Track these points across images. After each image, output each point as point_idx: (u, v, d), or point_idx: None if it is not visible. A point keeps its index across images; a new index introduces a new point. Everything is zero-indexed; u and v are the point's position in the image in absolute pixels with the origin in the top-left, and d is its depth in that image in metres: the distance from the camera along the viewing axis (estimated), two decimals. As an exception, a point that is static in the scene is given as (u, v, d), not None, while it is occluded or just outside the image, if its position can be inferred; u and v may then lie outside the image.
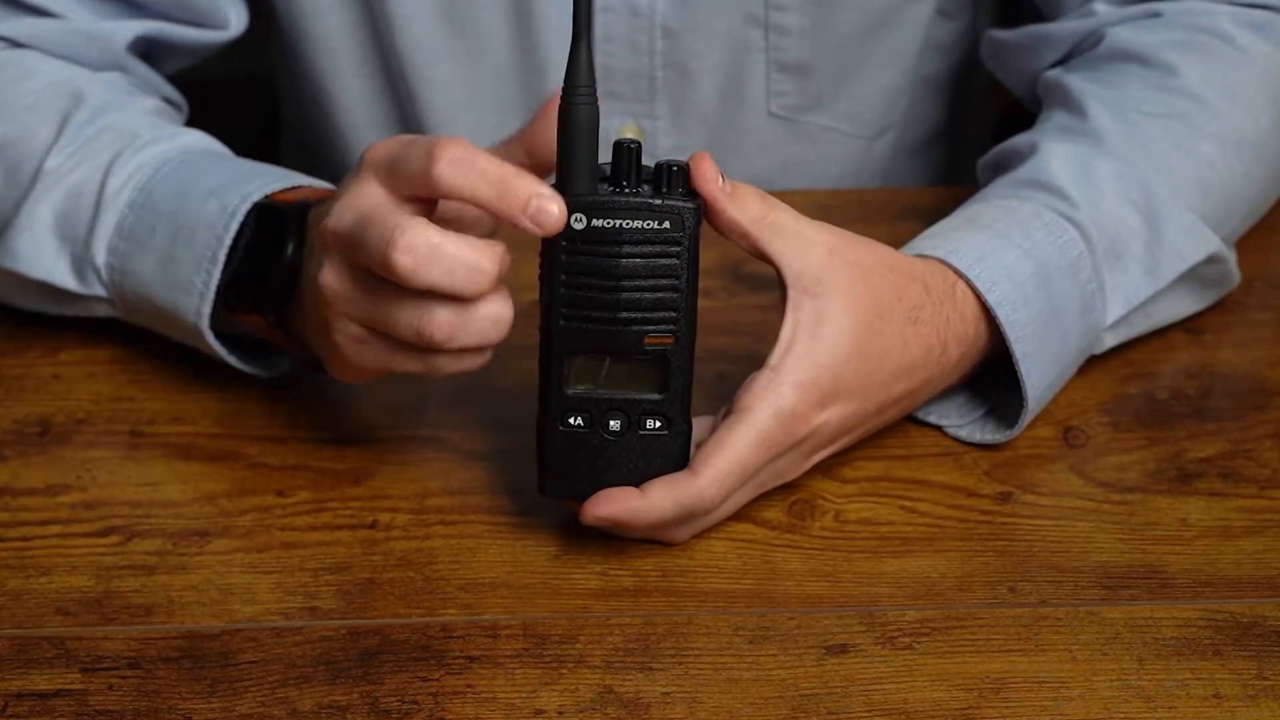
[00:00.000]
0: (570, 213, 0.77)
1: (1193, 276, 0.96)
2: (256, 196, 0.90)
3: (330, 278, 0.80)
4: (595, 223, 0.78)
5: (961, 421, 0.92)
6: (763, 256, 0.83)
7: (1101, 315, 0.92)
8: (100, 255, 0.93)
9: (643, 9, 1.10)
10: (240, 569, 0.84)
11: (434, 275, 0.75)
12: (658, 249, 0.78)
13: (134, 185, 0.93)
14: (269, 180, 0.92)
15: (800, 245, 0.82)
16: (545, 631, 0.80)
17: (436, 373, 0.80)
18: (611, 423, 0.81)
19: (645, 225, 0.78)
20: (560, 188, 0.78)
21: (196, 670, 0.78)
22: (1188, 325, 0.99)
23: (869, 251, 0.85)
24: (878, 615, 0.81)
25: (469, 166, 0.75)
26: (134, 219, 0.93)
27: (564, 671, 0.78)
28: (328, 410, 0.94)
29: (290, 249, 0.88)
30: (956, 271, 0.88)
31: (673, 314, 0.79)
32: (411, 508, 0.87)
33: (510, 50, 1.13)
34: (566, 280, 0.79)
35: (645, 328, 0.79)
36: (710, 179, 0.80)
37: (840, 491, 0.88)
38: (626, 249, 0.78)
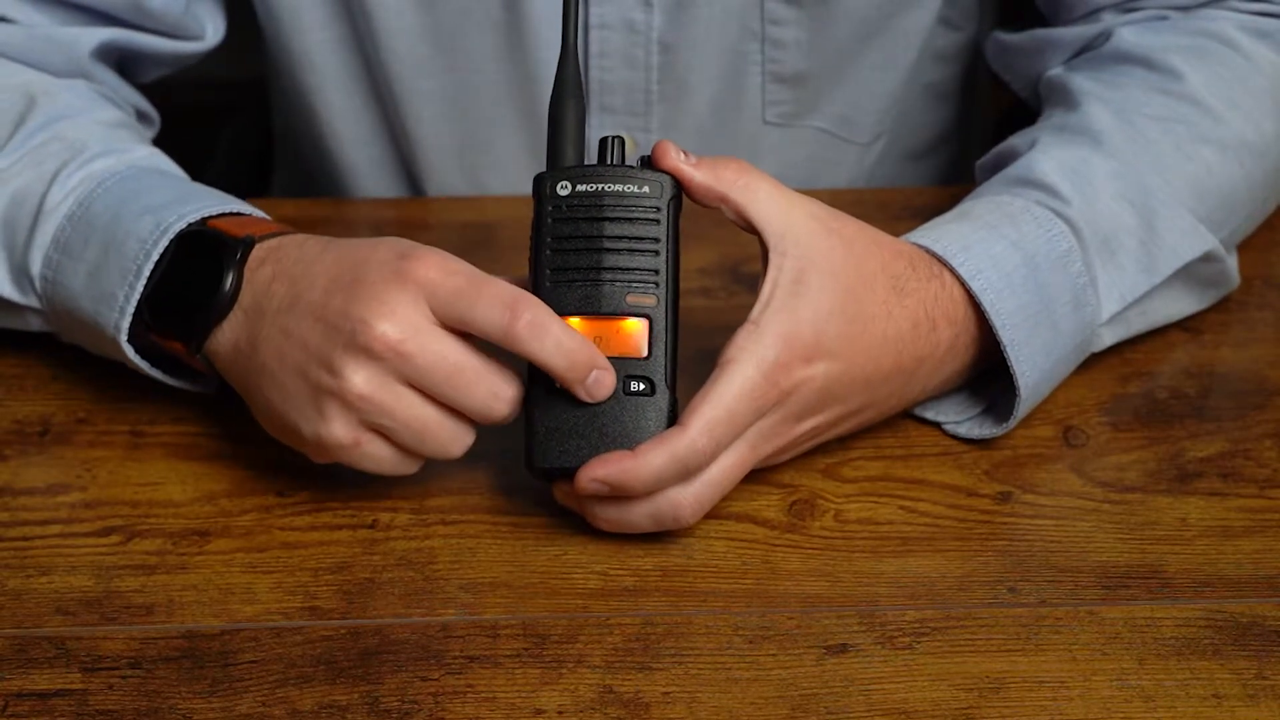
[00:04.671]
0: (556, 181, 0.84)
1: (1190, 276, 0.96)
2: (193, 217, 0.89)
3: (369, 384, 0.81)
4: (580, 187, 0.84)
5: (959, 418, 0.92)
6: (745, 220, 0.85)
7: (1096, 310, 0.92)
8: (36, 265, 0.92)
9: (640, 25, 1.10)
10: (240, 569, 0.84)
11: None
12: (638, 212, 0.83)
13: (75, 198, 0.92)
14: (208, 203, 0.91)
15: (782, 209, 0.85)
16: (545, 631, 0.80)
17: (393, 474, 0.85)
18: None
19: (627, 189, 0.83)
20: (549, 167, 0.85)
21: (196, 670, 0.79)
22: (1187, 324, 0.99)
23: (851, 223, 0.87)
24: (877, 615, 0.81)
25: (545, 332, 0.81)
26: (71, 231, 0.91)
27: (564, 671, 0.78)
28: (328, 410, 0.94)
29: (228, 285, 0.86)
30: (942, 261, 0.88)
31: (654, 273, 0.83)
32: (411, 508, 0.87)
33: (499, 65, 1.12)
34: (553, 243, 0.83)
35: (629, 285, 0.83)
36: (671, 155, 0.84)
37: (840, 491, 0.88)
38: (609, 211, 0.83)
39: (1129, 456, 0.91)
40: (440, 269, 0.82)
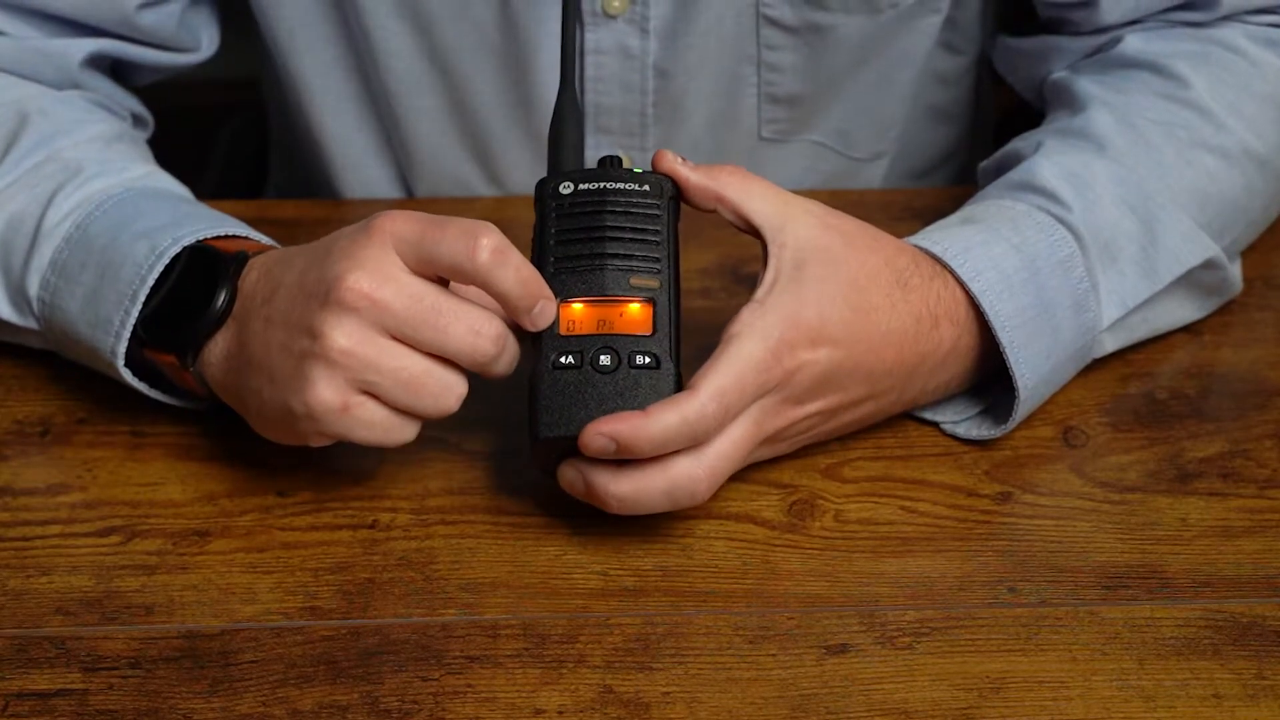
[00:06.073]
0: (559, 183, 0.86)
1: (1191, 283, 0.96)
2: (187, 241, 0.89)
3: (350, 338, 0.80)
4: (583, 186, 0.86)
5: (958, 418, 0.92)
6: (742, 218, 0.86)
7: (1097, 316, 0.92)
8: (33, 288, 0.92)
9: (635, 51, 1.10)
10: (240, 569, 0.84)
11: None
12: (639, 206, 0.85)
13: (72, 221, 0.92)
14: (204, 226, 0.90)
15: (778, 205, 0.86)
16: (545, 631, 0.80)
17: (387, 444, 0.83)
18: (602, 358, 0.83)
19: (627, 186, 0.85)
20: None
21: (197, 670, 0.79)
22: (1188, 325, 0.99)
23: (849, 220, 0.88)
24: (878, 615, 0.81)
25: (505, 259, 0.81)
26: (68, 254, 0.91)
27: (564, 671, 0.78)
28: (328, 410, 0.94)
29: (221, 298, 0.86)
30: (942, 263, 0.88)
31: (656, 260, 0.84)
32: (411, 508, 0.87)
33: (498, 86, 1.11)
34: (557, 235, 0.85)
35: (632, 267, 0.84)
36: (669, 159, 0.86)
37: (840, 491, 0.88)
38: (610, 205, 0.85)
39: (1129, 457, 0.91)
40: (405, 217, 0.82)
